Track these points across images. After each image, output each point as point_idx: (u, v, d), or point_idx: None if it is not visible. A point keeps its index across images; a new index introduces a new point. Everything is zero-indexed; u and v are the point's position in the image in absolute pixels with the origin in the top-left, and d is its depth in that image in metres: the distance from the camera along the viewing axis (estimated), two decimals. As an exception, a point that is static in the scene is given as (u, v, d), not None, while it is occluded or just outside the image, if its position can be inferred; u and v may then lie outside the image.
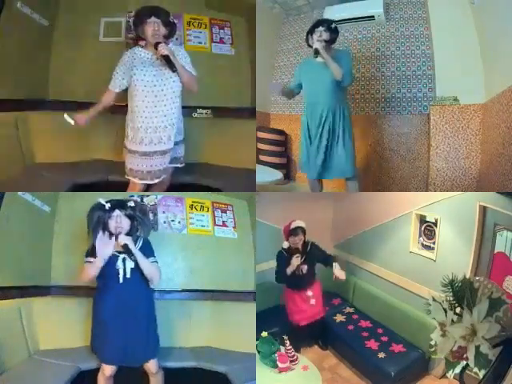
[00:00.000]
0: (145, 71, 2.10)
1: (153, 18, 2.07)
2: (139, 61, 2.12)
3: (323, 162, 2.81)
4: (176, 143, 2.30)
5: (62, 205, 2.72)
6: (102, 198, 2.04)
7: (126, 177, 2.24)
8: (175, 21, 2.20)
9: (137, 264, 1.96)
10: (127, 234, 1.98)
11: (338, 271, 2.57)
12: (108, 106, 2.25)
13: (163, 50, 2.02)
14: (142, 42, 2.22)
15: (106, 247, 1.90)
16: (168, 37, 2.18)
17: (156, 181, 2.25)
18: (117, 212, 1.97)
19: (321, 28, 2.70)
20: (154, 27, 2.07)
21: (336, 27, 2.77)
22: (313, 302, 2.69)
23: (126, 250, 1.93)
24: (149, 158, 2.18)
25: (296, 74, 3.00)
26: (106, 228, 1.96)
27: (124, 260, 1.96)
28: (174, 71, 2.05)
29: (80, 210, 2.69)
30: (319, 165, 2.82)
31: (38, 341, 2.25)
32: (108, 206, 1.97)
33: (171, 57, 2.03)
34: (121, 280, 1.95)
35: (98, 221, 1.97)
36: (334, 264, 2.58)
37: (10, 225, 2.15)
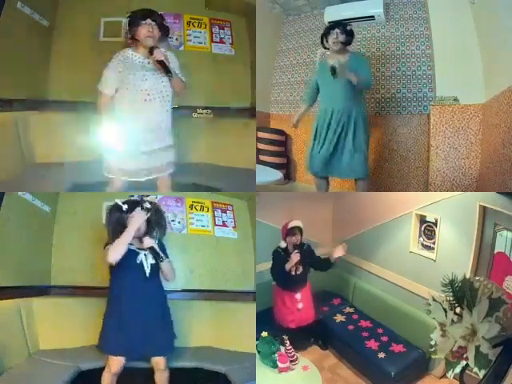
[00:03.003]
0: (136, 75, 2.07)
1: (148, 20, 2.07)
2: (130, 64, 2.10)
3: (333, 161, 2.85)
4: (166, 148, 2.24)
5: (61, 205, 2.73)
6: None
7: (111, 176, 2.19)
8: (168, 25, 2.20)
9: (156, 262, 2.02)
10: (144, 234, 2.02)
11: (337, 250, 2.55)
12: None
13: (159, 55, 2.02)
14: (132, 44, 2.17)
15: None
16: (161, 40, 2.17)
17: (144, 179, 2.21)
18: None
19: (337, 30, 2.74)
20: (148, 29, 2.07)
21: (351, 29, 2.81)
22: (300, 305, 2.66)
23: (152, 251, 1.99)
24: (135, 158, 2.15)
25: (313, 79, 3.01)
26: (124, 229, 1.99)
27: (145, 257, 2.01)
28: (169, 77, 2.03)
29: (80, 210, 2.72)
30: (328, 163, 2.85)
31: (38, 341, 2.25)
32: (125, 207, 2.01)
33: (166, 62, 2.03)
34: (147, 274, 2.00)
35: (116, 222, 2.00)
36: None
37: (10, 225, 2.15)
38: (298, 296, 2.66)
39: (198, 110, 2.95)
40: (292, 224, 2.59)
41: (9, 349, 1.96)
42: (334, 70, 2.62)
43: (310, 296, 2.77)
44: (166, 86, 2.14)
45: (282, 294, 2.69)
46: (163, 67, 2.02)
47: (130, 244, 2.01)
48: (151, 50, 2.03)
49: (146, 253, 2.01)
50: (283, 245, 2.63)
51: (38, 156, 2.74)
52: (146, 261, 2.01)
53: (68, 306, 2.41)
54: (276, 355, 2.30)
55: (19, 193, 2.28)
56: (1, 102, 2.32)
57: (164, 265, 2.03)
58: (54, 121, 2.70)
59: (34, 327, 2.24)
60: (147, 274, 2.01)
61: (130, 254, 1.98)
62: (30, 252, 2.40)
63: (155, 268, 2.04)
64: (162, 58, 2.02)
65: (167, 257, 2.08)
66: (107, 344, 2.02)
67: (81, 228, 2.66)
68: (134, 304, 1.99)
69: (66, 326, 2.35)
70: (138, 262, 2.00)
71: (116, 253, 1.91)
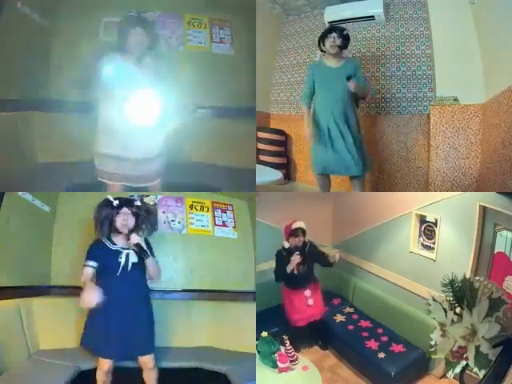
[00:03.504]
0: (126, 82, 2.06)
1: (138, 29, 2.04)
2: (119, 70, 2.07)
3: (340, 158, 2.93)
4: (155, 157, 2.23)
5: (61, 205, 2.73)
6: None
7: (109, 182, 2.19)
8: (158, 32, 2.19)
9: (141, 260, 2.01)
10: (131, 231, 2.02)
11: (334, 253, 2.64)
12: None
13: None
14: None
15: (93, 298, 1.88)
16: (151, 48, 2.13)
17: (132, 185, 2.23)
18: (124, 209, 2.01)
19: (334, 34, 2.87)
20: (138, 38, 2.05)
21: (348, 34, 2.94)
22: (310, 302, 2.67)
23: (138, 248, 1.99)
24: (131, 163, 2.15)
25: (309, 78, 3.06)
26: (112, 224, 2.01)
27: (127, 255, 2.00)
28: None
29: (80, 210, 2.72)
30: (335, 160, 2.95)
31: (38, 341, 2.25)
32: (116, 203, 2.01)
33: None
34: (118, 273, 1.97)
35: (105, 217, 2.00)
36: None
37: (10, 225, 2.15)
38: (308, 293, 2.67)
39: (198, 110, 2.95)
40: (295, 225, 2.60)
41: (9, 349, 1.96)
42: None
43: (319, 292, 2.78)
44: (155, 93, 2.11)
45: (289, 294, 2.70)
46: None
47: (114, 244, 2.02)
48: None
49: (129, 252, 2.00)
50: (287, 245, 2.64)
51: (38, 156, 2.74)
52: (128, 260, 2.00)
53: (68, 306, 2.40)
54: (276, 355, 2.30)
55: (19, 193, 2.28)
56: (1, 101, 2.31)
57: (149, 262, 2.02)
58: (54, 121, 2.70)
59: (34, 327, 2.23)
60: (126, 272, 1.99)
61: (114, 255, 1.98)
62: (30, 252, 2.40)
63: (140, 267, 2.02)
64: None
65: (153, 255, 2.08)
66: (94, 345, 2.01)
67: (81, 228, 2.66)
68: (119, 305, 1.97)
69: (66, 326, 2.35)
70: (120, 260, 1.99)
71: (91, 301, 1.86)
